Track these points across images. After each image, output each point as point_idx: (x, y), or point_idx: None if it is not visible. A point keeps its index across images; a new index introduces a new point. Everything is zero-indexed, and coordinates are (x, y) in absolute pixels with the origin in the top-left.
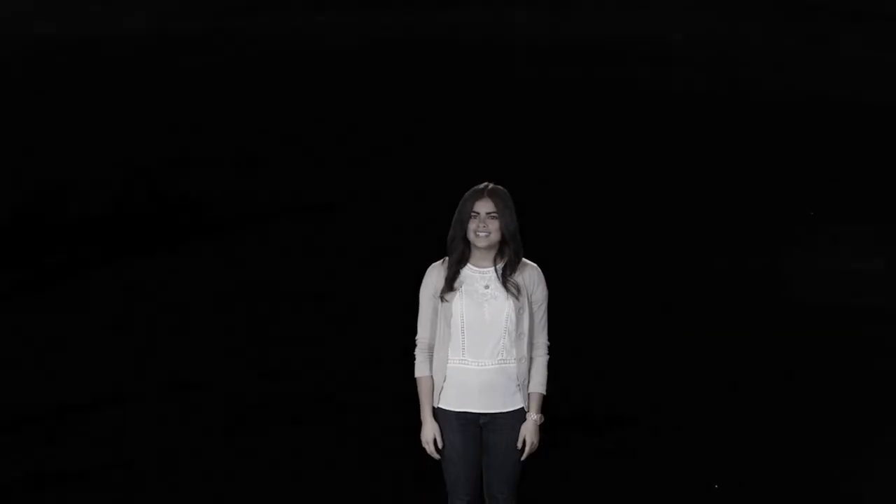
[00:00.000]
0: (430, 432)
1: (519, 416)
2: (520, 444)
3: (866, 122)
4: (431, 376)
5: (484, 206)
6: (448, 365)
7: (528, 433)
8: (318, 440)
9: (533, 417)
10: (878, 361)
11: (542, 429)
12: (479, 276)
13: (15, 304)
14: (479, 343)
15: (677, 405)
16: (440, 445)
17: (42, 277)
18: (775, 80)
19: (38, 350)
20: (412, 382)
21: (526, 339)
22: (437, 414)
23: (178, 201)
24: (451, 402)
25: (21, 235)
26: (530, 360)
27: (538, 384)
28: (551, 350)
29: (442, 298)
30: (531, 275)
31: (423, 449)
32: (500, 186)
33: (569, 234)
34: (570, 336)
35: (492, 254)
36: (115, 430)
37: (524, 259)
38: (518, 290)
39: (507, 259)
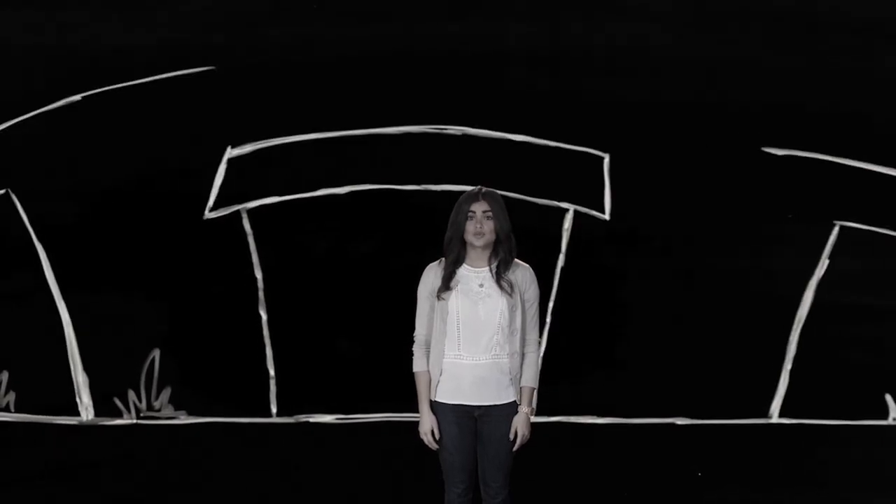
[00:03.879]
0: (427, 424)
1: (511, 408)
2: (511, 436)
3: (847, 127)
4: (429, 371)
5: (479, 207)
6: (444, 360)
7: (520, 425)
8: (317, 436)
9: (524, 410)
10: (859, 356)
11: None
12: (475, 276)
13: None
14: (473, 339)
15: (672, 401)
16: (437, 436)
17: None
18: (762, 88)
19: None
20: (410, 377)
21: (518, 336)
22: (434, 407)
23: (179, 203)
24: (447, 395)
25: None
26: (522, 355)
27: (529, 378)
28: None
29: (439, 297)
30: (524, 275)
31: (422, 440)
32: (493, 189)
33: (560, 236)
34: (565, 335)
35: (486, 254)
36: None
37: (518, 260)
38: (511, 287)
39: (501, 258)
